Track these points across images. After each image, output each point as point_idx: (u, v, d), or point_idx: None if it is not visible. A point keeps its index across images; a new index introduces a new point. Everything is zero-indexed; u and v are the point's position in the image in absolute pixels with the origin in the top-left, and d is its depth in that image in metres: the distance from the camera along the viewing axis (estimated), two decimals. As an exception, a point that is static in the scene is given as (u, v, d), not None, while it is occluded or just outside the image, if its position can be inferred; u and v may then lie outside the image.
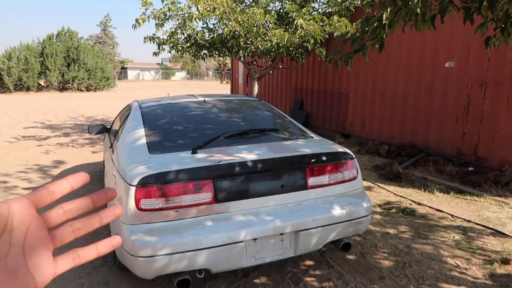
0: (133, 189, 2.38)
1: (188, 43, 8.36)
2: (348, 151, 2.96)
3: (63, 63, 29.89)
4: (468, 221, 4.06)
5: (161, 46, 8.32)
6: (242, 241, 2.44)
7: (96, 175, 6.14)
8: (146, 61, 74.84)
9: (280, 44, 7.40)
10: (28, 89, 28.64)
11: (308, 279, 2.96)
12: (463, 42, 6.08)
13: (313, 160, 2.74)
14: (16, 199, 0.45)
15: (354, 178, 2.92)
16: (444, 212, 4.35)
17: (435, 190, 5.18)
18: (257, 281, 2.95)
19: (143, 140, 2.96)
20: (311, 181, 2.72)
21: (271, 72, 9.68)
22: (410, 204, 4.66)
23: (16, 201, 0.44)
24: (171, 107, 3.65)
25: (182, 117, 3.45)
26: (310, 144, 3.02)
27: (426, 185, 5.46)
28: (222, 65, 53.17)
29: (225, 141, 2.95)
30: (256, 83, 8.98)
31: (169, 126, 3.24)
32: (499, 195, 4.92)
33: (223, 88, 33.28)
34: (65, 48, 30.07)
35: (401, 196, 4.96)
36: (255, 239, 2.50)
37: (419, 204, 4.65)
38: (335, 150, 2.94)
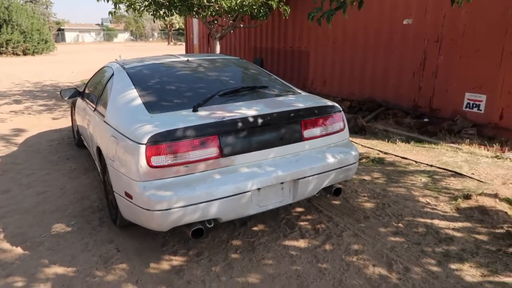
0: (143, 147, 2.45)
1: (146, 2, 8.05)
2: (336, 104, 3.18)
3: (-6, 25, 27.31)
4: (431, 165, 4.52)
5: (117, 5, 7.94)
6: (248, 191, 2.62)
7: (65, 141, 5.97)
8: (84, 21, 70.02)
9: (244, 3, 7.34)
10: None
11: (302, 223, 3.24)
12: (420, 0, 6.41)
13: (307, 114, 2.93)
14: None
15: (342, 130, 3.17)
16: (409, 159, 4.78)
17: (397, 140, 5.63)
18: (255, 228, 3.18)
19: (138, 101, 2.98)
20: (306, 133, 2.92)
21: (232, 31, 9.59)
22: (378, 154, 5.06)
23: None
24: (157, 68, 3.64)
25: (171, 77, 3.47)
26: (301, 99, 3.20)
27: (389, 136, 5.89)
28: (168, 26, 51.08)
29: (220, 99, 3.05)
30: (218, 43, 8.90)
31: (161, 86, 3.26)
32: (453, 142, 5.45)
33: (172, 49, 32.22)
34: (-6, 8, 27.37)
35: (368, 147, 5.35)
36: (259, 189, 2.69)
37: (385, 153, 5.06)
38: (325, 103, 3.14)
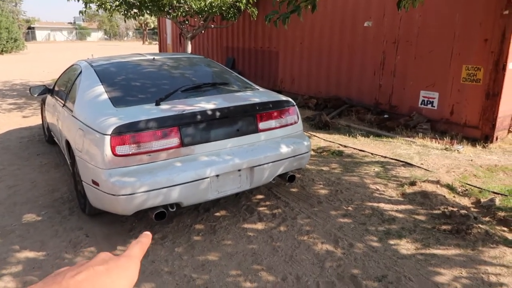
0: (108, 137, 2.66)
1: (117, 2, 8.15)
2: (289, 99, 3.46)
3: (-40, 23, 26.53)
4: (385, 157, 4.88)
5: (88, 4, 8.01)
6: (207, 177, 2.87)
7: (35, 138, 6.05)
8: (56, 20, 68.51)
9: (213, 4, 7.57)
10: None
11: (260, 208, 3.51)
12: (379, 4, 6.80)
13: (262, 108, 3.20)
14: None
15: (295, 122, 3.45)
16: (365, 151, 5.13)
17: (357, 135, 5.98)
18: (217, 214, 3.43)
19: (105, 96, 3.18)
20: (261, 125, 3.19)
21: (203, 31, 9.79)
22: (338, 147, 5.39)
23: None
24: (123, 65, 3.84)
25: (136, 74, 3.67)
26: (257, 95, 3.47)
27: (350, 131, 6.25)
28: (143, 25, 50.59)
29: (182, 94, 3.28)
30: (189, 42, 9.09)
31: (126, 82, 3.46)
32: (408, 136, 5.85)
33: (147, 49, 31.99)
34: (-39, 5, 26.58)
35: (330, 141, 5.68)
36: (217, 175, 2.94)
37: (345, 146, 5.40)
38: (279, 98, 3.42)
